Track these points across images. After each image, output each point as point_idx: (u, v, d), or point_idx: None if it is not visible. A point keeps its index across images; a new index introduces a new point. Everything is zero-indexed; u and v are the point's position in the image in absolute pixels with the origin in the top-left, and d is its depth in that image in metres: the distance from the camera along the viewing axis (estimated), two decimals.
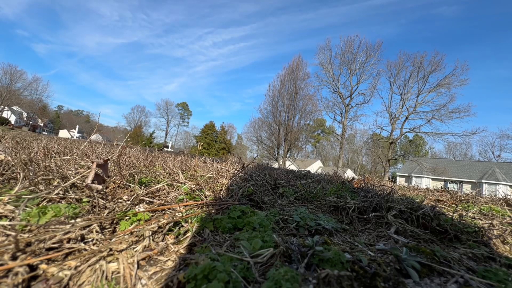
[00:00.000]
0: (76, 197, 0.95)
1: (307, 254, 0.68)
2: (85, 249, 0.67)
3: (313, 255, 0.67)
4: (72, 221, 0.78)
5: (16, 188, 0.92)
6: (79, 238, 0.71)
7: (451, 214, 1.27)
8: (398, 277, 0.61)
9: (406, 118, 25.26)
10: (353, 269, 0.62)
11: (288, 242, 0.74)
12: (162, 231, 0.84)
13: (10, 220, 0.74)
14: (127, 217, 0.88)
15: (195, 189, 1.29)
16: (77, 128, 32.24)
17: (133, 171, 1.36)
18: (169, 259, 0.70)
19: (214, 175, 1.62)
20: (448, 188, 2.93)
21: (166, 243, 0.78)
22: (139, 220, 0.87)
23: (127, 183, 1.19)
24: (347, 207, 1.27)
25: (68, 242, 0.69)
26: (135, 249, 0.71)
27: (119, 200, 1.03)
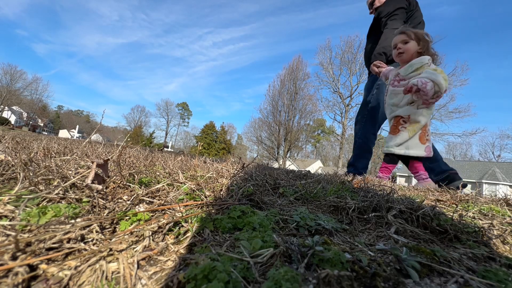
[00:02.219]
0: (76, 197, 0.95)
1: (307, 254, 0.67)
2: (85, 249, 0.67)
3: (313, 255, 0.67)
4: (72, 221, 0.78)
5: (16, 188, 0.92)
6: (79, 238, 0.71)
7: (451, 214, 1.27)
8: (398, 277, 0.61)
9: None
10: (353, 269, 0.62)
11: (288, 242, 0.74)
12: (162, 231, 0.84)
13: (10, 220, 0.74)
14: (127, 217, 0.88)
15: (195, 189, 1.29)
16: (77, 128, 32.24)
17: (133, 171, 1.36)
18: (169, 259, 0.70)
19: (214, 175, 1.62)
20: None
21: (166, 243, 0.78)
22: (139, 220, 0.87)
23: (127, 183, 1.19)
24: (347, 207, 1.27)
25: (68, 242, 0.69)
26: (135, 249, 0.71)
27: (119, 200, 1.03)
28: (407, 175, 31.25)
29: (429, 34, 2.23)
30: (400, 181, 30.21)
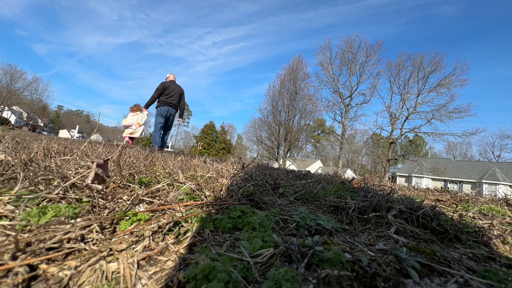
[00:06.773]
0: (76, 197, 0.95)
1: (307, 254, 0.68)
2: (85, 249, 0.67)
3: (313, 255, 0.67)
4: (72, 221, 0.78)
5: (16, 188, 0.92)
6: (79, 238, 0.71)
7: (451, 214, 1.27)
8: (398, 277, 0.61)
9: (406, 118, 25.24)
10: (353, 269, 0.62)
11: (288, 242, 0.74)
12: (162, 231, 0.84)
13: (10, 220, 0.74)
14: (127, 217, 0.88)
15: (195, 189, 1.29)
16: (77, 128, 32.17)
17: (133, 171, 1.36)
18: (169, 259, 0.70)
19: (214, 175, 1.62)
20: (448, 188, 2.93)
21: (166, 243, 0.78)
22: (139, 220, 0.87)
23: (127, 183, 1.19)
24: (347, 207, 1.27)
25: (68, 242, 0.69)
26: (135, 249, 0.71)
27: (119, 200, 1.03)
28: (406, 175, 31.29)
29: (139, 105, 6.79)
30: (400, 181, 30.22)
